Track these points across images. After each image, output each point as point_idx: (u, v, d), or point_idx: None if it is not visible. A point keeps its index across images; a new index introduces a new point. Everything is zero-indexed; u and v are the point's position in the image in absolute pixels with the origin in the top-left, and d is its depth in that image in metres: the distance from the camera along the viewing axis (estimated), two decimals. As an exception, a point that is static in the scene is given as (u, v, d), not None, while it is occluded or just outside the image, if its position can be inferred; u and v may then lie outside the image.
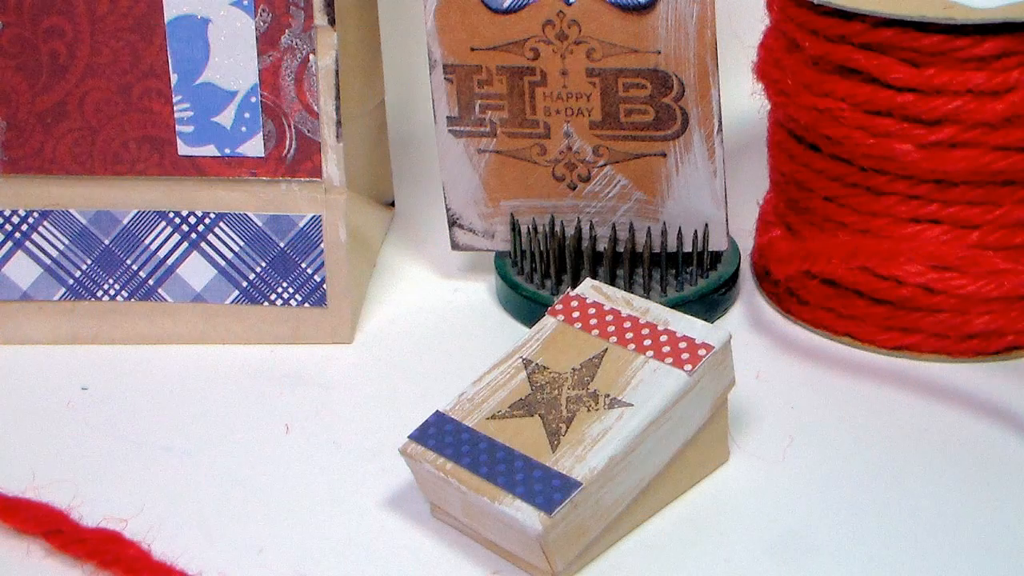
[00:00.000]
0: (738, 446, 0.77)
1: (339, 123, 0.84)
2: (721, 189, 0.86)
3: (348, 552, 0.71)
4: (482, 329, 0.89)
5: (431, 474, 0.71)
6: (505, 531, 0.69)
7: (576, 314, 0.77)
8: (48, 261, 0.87)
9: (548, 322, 0.77)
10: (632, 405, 0.71)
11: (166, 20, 0.83)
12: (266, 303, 0.87)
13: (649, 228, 0.87)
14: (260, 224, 0.86)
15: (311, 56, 0.83)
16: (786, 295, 0.88)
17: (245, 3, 0.82)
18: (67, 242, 0.87)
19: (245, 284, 0.87)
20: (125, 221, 0.86)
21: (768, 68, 0.85)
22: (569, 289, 0.80)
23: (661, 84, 0.84)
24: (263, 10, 0.83)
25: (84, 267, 0.87)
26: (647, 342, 0.74)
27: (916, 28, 0.77)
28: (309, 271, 0.86)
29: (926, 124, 0.79)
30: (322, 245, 0.86)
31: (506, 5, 0.84)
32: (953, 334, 0.83)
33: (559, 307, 0.77)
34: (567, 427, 0.71)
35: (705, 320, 0.77)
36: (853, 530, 0.71)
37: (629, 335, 0.74)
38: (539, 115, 0.86)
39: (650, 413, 0.70)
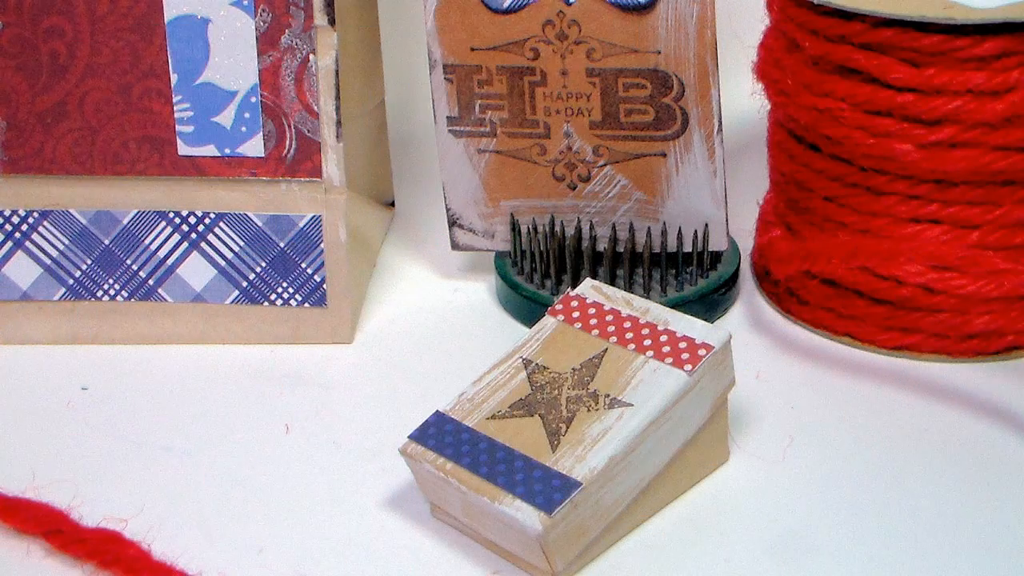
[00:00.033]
0: (738, 446, 0.77)
1: (339, 123, 0.84)
2: (721, 189, 0.86)
3: (348, 552, 0.71)
4: (482, 329, 0.89)
5: (431, 474, 0.71)
6: (505, 531, 0.69)
7: (576, 314, 0.77)
8: (48, 261, 0.87)
9: (548, 322, 0.77)
10: (632, 405, 0.71)
11: (166, 20, 0.83)
12: (266, 303, 0.87)
13: (649, 228, 0.87)
14: (260, 224, 0.86)
15: (311, 56, 0.83)
16: (786, 295, 0.88)
17: (245, 3, 0.82)
18: (67, 242, 0.87)
19: (245, 284, 0.87)
20: (125, 221, 0.86)
21: (768, 68, 0.85)
22: (569, 289, 0.80)
23: (661, 84, 0.84)
24: (263, 10, 0.83)
25: (84, 267, 0.87)
26: (647, 342, 0.74)
27: (916, 28, 0.77)
28: (309, 271, 0.86)
29: (926, 124, 0.79)
30: (322, 245, 0.86)
31: (506, 5, 0.84)
32: (953, 334, 0.83)
33: (559, 307, 0.77)
34: (567, 427, 0.71)
35: (705, 320, 0.77)
36: (853, 530, 0.71)
37: (629, 335, 0.74)
38: (539, 115, 0.86)
39: (650, 413, 0.70)
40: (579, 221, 0.88)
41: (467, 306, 0.91)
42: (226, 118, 0.84)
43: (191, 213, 0.86)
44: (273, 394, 0.83)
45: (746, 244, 0.94)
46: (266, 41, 0.83)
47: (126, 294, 0.87)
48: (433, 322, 0.90)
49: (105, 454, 0.79)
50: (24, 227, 0.87)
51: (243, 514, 0.74)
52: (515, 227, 0.89)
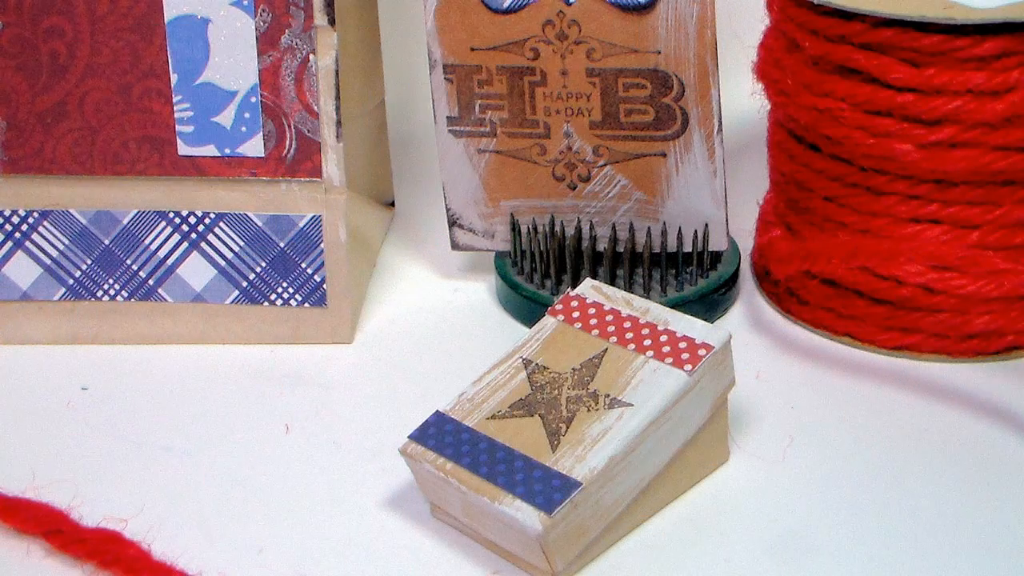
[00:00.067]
0: (738, 446, 0.77)
1: (339, 123, 0.84)
2: (721, 189, 0.86)
3: (348, 552, 0.71)
4: (482, 329, 0.89)
5: (431, 474, 0.71)
6: (505, 531, 0.69)
7: (576, 314, 0.77)
8: (48, 261, 0.87)
9: (548, 322, 0.77)
10: (632, 405, 0.71)
11: (166, 20, 0.83)
12: (266, 303, 0.87)
13: (649, 228, 0.87)
14: (260, 224, 0.86)
15: (311, 56, 0.83)
16: (786, 295, 0.88)
17: (245, 3, 0.82)
18: (67, 242, 0.87)
19: (245, 284, 0.87)
20: (125, 221, 0.86)
21: (768, 68, 0.85)
22: (569, 289, 0.80)
23: (661, 84, 0.84)
24: (263, 10, 0.83)
25: (84, 267, 0.87)
26: (647, 342, 0.74)
27: (916, 28, 0.77)
28: (309, 271, 0.86)
29: (926, 124, 0.79)
30: (322, 245, 0.86)
31: (506, 5, 0.84)
32: (953, 334, 0.83)
33: (559, 307, 0.77)
34: (567, 427, 0.71)
35: (705, 320, 0.77)
36: (853, 530, 0.71)
37: (629, 335, 0.74)
38: (539, 115, 0.86)
39: (650, 413, 0.70)
40: (579, 221, 0.88)
41: (467, 306, 0.91)
42: (226, 118, 0.84)
43: (191, 213, 0.86)
44: (273, 394, 0.83)
45: (746, 244, 0.94)
46: (266, 41, 0.83)
47: (126, 294, 0.87)
48: (433, 322, 0.90)
49: (105, 454, 0.79)
50: (24, 227, 0.87)
51: (243, 514, 0.74)
52: (515, 227, 0.89)
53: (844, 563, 0.69)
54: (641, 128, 0.85)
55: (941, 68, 0.77)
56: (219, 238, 0.86)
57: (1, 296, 0.88)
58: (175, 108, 0.84)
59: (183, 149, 0.85)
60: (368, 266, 0.94)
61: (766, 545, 0.71)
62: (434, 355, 0.86)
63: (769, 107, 0.89)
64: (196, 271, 0.87)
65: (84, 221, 0.86)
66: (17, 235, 0.87)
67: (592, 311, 0.76)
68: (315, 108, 0.84)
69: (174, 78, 0.84)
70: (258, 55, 0.83)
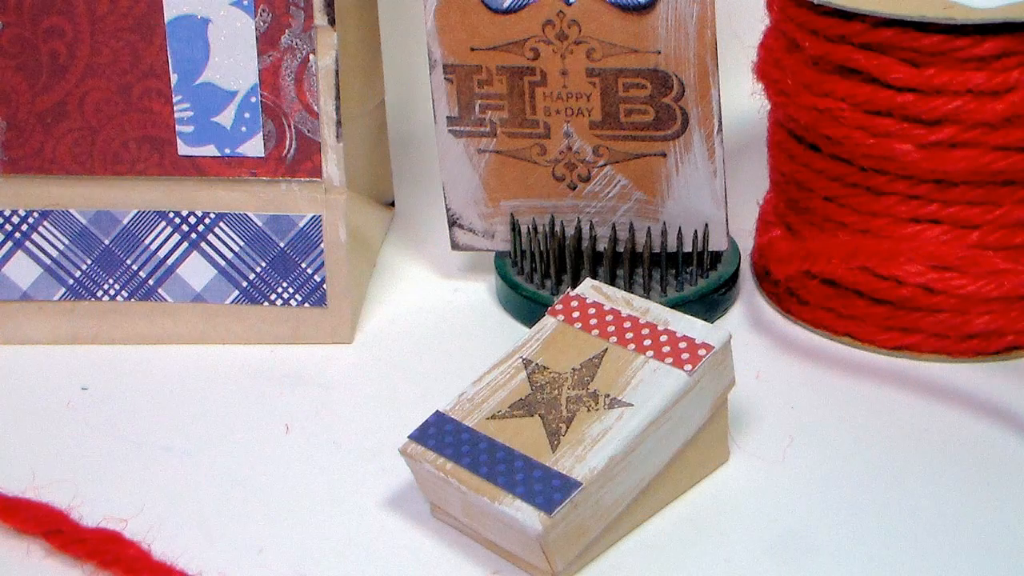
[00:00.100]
0: (738, 446, 0.77)
1: (339, 123, 0.84)
2: (721, 189, 0.86)
3: (348, 552, 0.71)
4: (482, 329, 0.89)
5: (431, 474, 0.71)
6: (505, 531, 0.69)
7: (576, 314, 0.77)
8: (48, 261, 0.87)
9: (548, 322, 0.77)
10: (632, 405, 0.71)
11: (166, 20, 0.83)
12: (266, 303, 0.87)
13: (649, 228, 0.87)
14: (260, 224, 0.86)
15: (311, 56, 0.83)
16: (786, 295, 0.88)
17: (245, 3, 0.82)
18: (67, 242, 0.87)
19: (245, 284, 0.87)
20: (125, 221, 0.86)
21: (768, 68, 0.85)
22: (569, 289, 0.80)
23: (661, 84, 0.84)
24: (263, 10, 0.83)
25: (84, 267, 0.87)
26: (647, 342, 0.74)
27: (916, 28, 0.77)
28: (309, 271, 0.86)
29: (926, 124, 0.79)
30: (322, 245, 0.86)
31: (506, 5, 0.84)
32: (953, 334, 0.83)
33: (559, 307, 0.77)
34: (567, 427, 0.71)
35: (705, 320, 0.77)
36: (853, 530, 0.71)
37: (629, 335, 0.74)
38: (539, 115, 0.86)
39: (650, 413, 0.70)
40: (579, 221, 0.88)
41: (467, 306, 0.91)
42: (226, 118, 0.84)
43: (191, 213, 0.86)
44: (273, 394, 0.83)
45: (746, 244, 0.94)
46: (266, 41, 0.83)
47: (126, 294, 0.87)
48: (433, 322, 0.90)
49: (105, 454, 0.79)
50: (24, 227, 0.87)
51: (243, 514, 0.74)
52: (515, 227, 0.89)
53: (844, 563, 0.69)
54: (641, 128, 0.85)
55: (941, 68, 0.77)
56: (219, 238, 0.86)
57: (1, 296, 0.88)
58: (175, 108, 0.84)
59: (183, 149, 0.85)
60: (368, 266, 0.94)
61: (766, 545, 0.71)
62: (434, 355, 0.86)
63: (769, 107, 0.89)
64: (196, 271, 0.87)
65: (84, 221, 0.86)
66: (17, 235, 0.87)
67: (592, 311, 0.76)
68: (315, 108, 0.84)
69: (174, 78, 0.84)
70: (258, 55, 0.83)
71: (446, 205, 0.90)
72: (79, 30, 0.83)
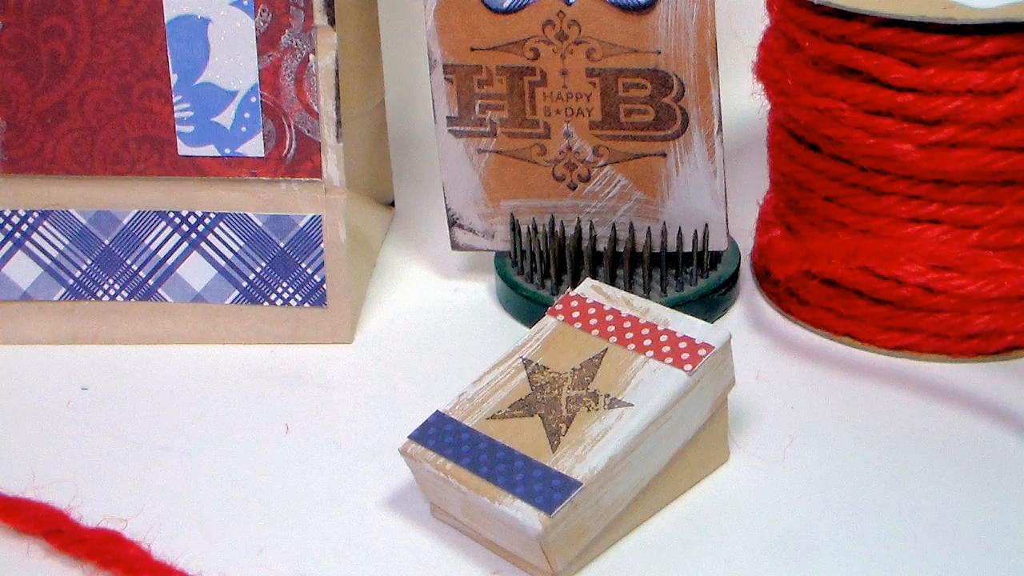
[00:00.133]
0: (738, 446, 0.77)
1: (339, 123, 0.84)
2: (721, 189, 0.86)
3: (348, 552, 0.71)
4: (482, 329, 0.89)
5: (431, 474, 0.71)
6: (505, 531, 0.69)
7: (576, 314, 0.77)
8: (48, 261, 0.87)
9: (548, 322, 0.77)
10: (632, 405, 0.71)
11: (166, 20, 0.83)
12: (266, 303, 0.87)
13: (649, 228, 0.87)
14: (260, 224, 0.86)
15: (311, 56, 0.83)
16: (786, 295, 0.88)
17: (245, 3, 0.82)
18: (67, 242, 0.87)
19: (245, 284, 0.87)
20: (125, 221, 0.86)
21: (768, 68, 0.85)
22: (569, 289, 0.80)
23: (661, 84, 0.84)
24: (263, 10, 0.83)
25: (84, 267, 0.87)
26: (647, 342, 0.74)
27: (916, 28, 0.77)
28: (309, 271, 0.86)
29: (926, 124, 0.79)
30: (322, 245, 0.86)
31: (506, 5, 0.84)
32: (953, 334, 0.83)
33: (559, 307, 0.77)
34: (567, 427, 0.71)
35: (705, 320, 0.77)
36: (853, 530, 0.71)
37: (629, 335, 0.74)
38: (539, 115, 0.86)
39: (650, 413, 0.70)
40: (579, 221, 0.88)
41: (467, 306, 0.91)
42: (226, 118, 0.84)
43: (191, 213, 0.86)
44: (273, 394, 0.83)
45: (746, 244, 0.94)
46: (266, 41, 0.83)
47: (126, 294, 0.87)
48: (433, 322, 0.90)
49: (105, 454, 0.79)
50: (24, 227, 0.87)
51: (243, 514, 0.74)
52: (515, 227, 0.89)
53: (844, 563, 0.69)
54: (641, 128, 0.85)
55: (941, 68, 0.77)
56: (219, 238, 0.86)
57: (1, 296, 0.88)
58: (175, 108, 0.84)
59: (183, 149, 0.85)
60: (368, 266, 0.94)
61: (766, 545, 0.71)
62: (434, 355, 0.86)
63: (769, 107, 0.89)
64: (196, 271, 0.87)
65: (84, 221, 0.86)
66: (17, 235, 0.87)
67: (592, 311, 0.76)
68: (315, 108, 0.84)
69: (174, 78, 0.84)
70: (258, 55, 0.83)
71: (446, 205, 0.90)
72: (79, 30, 0.83)
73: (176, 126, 0.84)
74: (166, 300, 0.87)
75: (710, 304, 0.87)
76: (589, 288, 0.78)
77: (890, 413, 0.80)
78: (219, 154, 0.85)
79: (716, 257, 0.89)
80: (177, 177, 0.85)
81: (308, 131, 0.84)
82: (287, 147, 0.84)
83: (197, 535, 0.73)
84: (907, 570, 0.69)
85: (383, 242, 0.98)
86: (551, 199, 0.88)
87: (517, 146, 0.87)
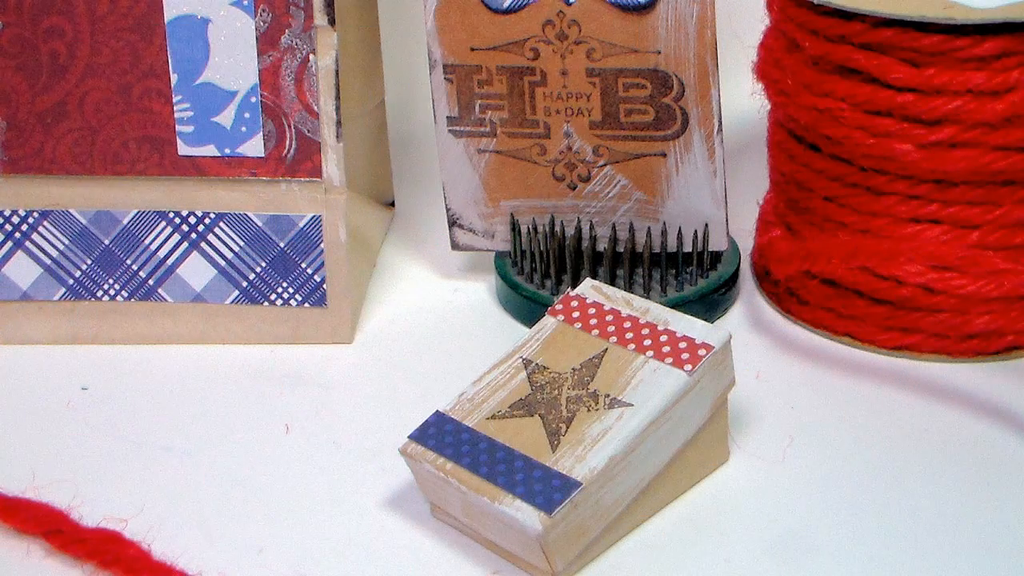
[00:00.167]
0: (738, 446, 0.77)
1: (339, 123, 0.84)
2: (721, 189, 0.86)
3: (348, 552, 0.71)
4: (482, 329, 0.89)
5: (431, 474, 0.71)
6: (505, 531, 0.69)
7: (576, 314, 0.77)
8: (48, 261, 0.87)
9: (548, 322, 0.77)
10: (632, 405, 0.71)
11: (166, 20, 0.83)
12: (266, 303, 0.87)
13: (649, 228, 0.87)
14: (260, 224, 0.86)
15: (311, 56, 0.83)
16: (786, 295, 0.88)
17: (245, 3, 0.82)
18: (67, 242, 0.87)
19: (245, 284, 0.87)
20: (125, 221, 0.86)
21: (768, 68, 0.85)
22: (569, 289, 0.80)
23: (661, 84, 0.84)
24: (263, 10, 0.83)
25: (84, 267, 0.87)
26: (647, 342, 0.74)
27: (916, 28, 0.77)
28: (309, 271, 0.86)
29: (926, 124, 0.79)
30: (322, 245, 0.86)
31: (506, 5, 0.84)
32: (953, 334, 0.83)
33: (559, 307, 0.77)
34: (567, 427, 0.71)
35: (705, 320, 0.77)
36: (853, 530, 0.71)
37: (629, 335, 0.74)
38: (539, 115, 0.86)
39: (650, 413, 0.70)
40: (579, 221, 0.88)
41: (467, 306, 0.91)
42: (226, 118, 0.84)
43: (191, 213, 0.86)
44: (273, 394, 0.83)
45: (746, 244, 0.94)
46: (266, 41, 0.83)
47: (126, 294, 0.87)
48: (433, 322, 0.90)
49: (105, 454, 0.79)
50: (24, 227, 0.87)
51: (243, 514, 0.74)
52: (515, 227, 0.89)
53: (844, 563, 0.69)
54: (641, 128, 0.85)
55: (941, 68, 0.77)
56: (219, 238, 0.86)
57: (1, 296, 0.88)
58: (175, 108, 0.84)
59: (183, 149, 0.85)
60: (368, 266, 0.94)
61: (766, 545, 0.71)
62: (434, 355, 0.86)
63: (769, 107, 0.89)
64: (196, 271, 0.87)
65: (84, 221, 0.86)
66: (17, 235, 0.87)
67: (592, 311, 0.76)
68: (315, 108, 0.84)
69: (174, 78, 0.84)
70: (258, 55, 0.83)
71: (446, 205, 0.90)
72: (79, 30, 0.83)
73: (176, 126, 0.84)
74: (166, 300, 0.87)
75: (710, 304, 0.87)
76: (589, 288, 0.78)
77: (890, 413, 0.80)
78: (219, 154, 0.85)
79: (716, 257, 0.89)
80: (177, 177, 0.85)
81: (308, 131, 0.84)
82: (287, 147, 0.84)
83: (197, 535, 0.73)
84: (907, 570, 0.69)
85: (383, 242, 0.98)
86: (551, 199, 0.88)
87: (517, 146, 0.87)
